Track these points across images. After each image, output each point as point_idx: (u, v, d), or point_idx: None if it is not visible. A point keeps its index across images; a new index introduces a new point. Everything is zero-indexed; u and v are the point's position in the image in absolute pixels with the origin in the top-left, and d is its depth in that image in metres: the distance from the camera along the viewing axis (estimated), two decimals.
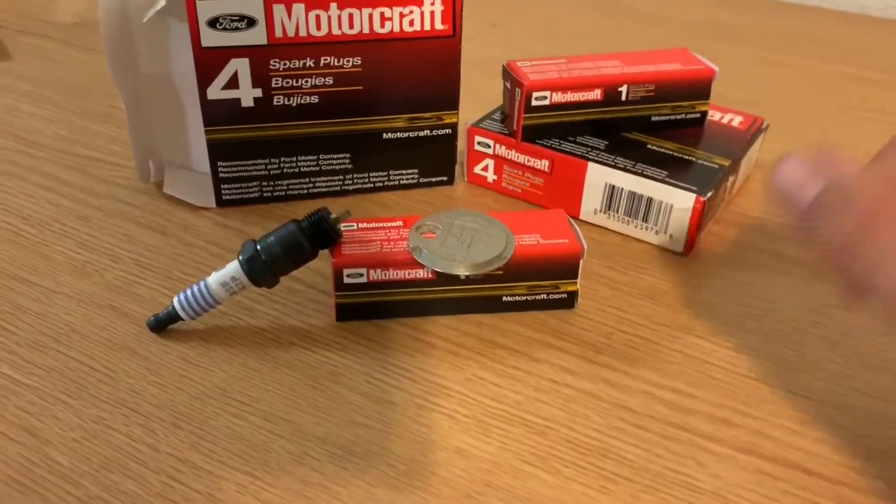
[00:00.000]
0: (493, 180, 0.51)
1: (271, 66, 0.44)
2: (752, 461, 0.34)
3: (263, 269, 0.37)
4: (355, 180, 0.49)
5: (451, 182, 0.51)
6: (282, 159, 0.47)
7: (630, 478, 0.33)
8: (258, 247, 0.38)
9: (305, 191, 0.49)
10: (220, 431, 0.34)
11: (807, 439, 0.35)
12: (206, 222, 0.47)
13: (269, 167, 0.48)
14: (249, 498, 0.31)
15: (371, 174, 0.49)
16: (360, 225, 0.40)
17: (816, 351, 0.39)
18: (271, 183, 0.48)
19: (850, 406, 0.36)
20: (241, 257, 0.38)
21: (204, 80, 0.44)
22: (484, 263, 0.38)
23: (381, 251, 0.39)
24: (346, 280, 0.39)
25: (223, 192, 0.48)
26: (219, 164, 0.47)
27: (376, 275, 0.39)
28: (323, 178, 0.49)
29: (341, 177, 0.49)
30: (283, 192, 0.49)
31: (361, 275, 0.39)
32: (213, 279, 0.38)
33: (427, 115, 0.48)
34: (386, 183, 0.50)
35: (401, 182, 0.50)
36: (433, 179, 0.51)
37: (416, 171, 0.50)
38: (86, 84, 0.64)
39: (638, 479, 0.33)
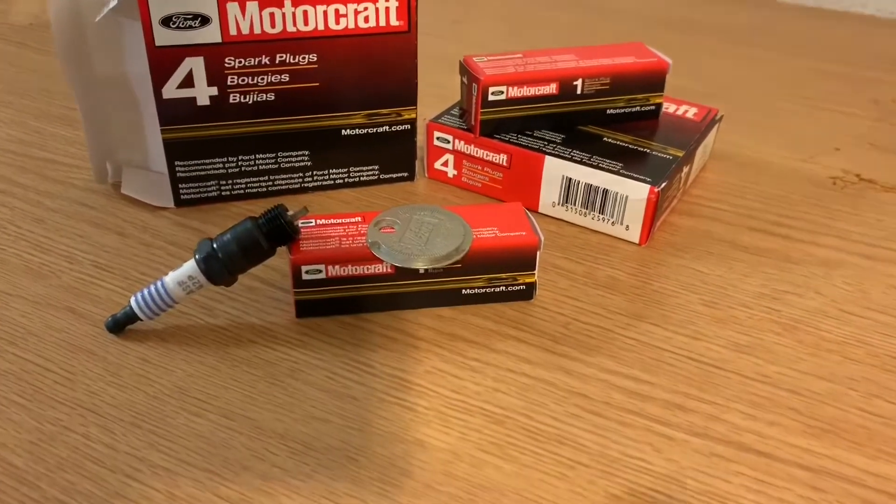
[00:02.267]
0: (454, 175, 0.51)
1: (226, 65, 0.44)
2: (707, 444, 0.34)
3: (220, 267, 0.37)
4: (315, 177, 0.49)
5: (411, 178, 0.52)
6: (240, 158, 0.47)
7: (587, 464, 0.33)
8: (214, 245, 0.38)
9: (265, 189, 0.49)
10: (179, 430, 0.34)
11: (760, 422, 0.36)
12: (165, 222, 0.47)
13: (227, 166, 0.47)
14: (209, 495, 0.31)
15: (331, 171, 0.49)
16: (318, 221, 0.41)
17: (769, 336, 0.40)
18: (230, 182, 0.48)
19: (802, 389, 0.37)
20: (197, 256, 0.38)
21: (159, 79, 0.44)
22: (442, 257, 0.39)
23: (340, 247, 0.39)
24: (305, 277, 0.39)
25: (181, 191, 0.48)
26: (176, 163, 0.47)
27: (335, 271, 0.39)
28: (282, 176, 0.49)
29: (301, 174, 0.49)
30: (242, 191, 0.49)
31: (320, 271, 0.39)
32: (170, 278, 0.38)
33: (385, 111, 0.48)
34: (346, 180, 0.50)
35: (361, 178, 0.50)
36: (394, 175, 0.51)
37: (376, 167, 0.50)
38: (42, 85, 0.64)
39: (594, 465, 0.33)
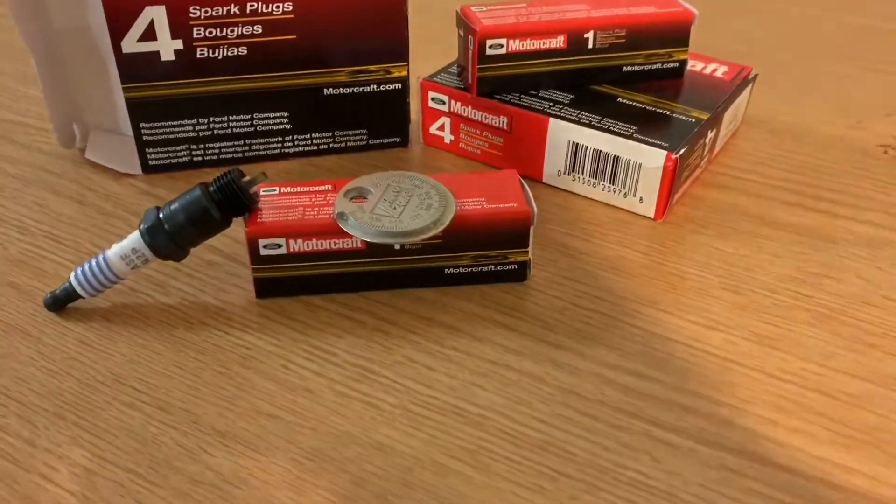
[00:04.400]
0: (451, 141, 0.46)
1: (191, 15, 0.40)
2: (717, 455, 0.29)
3: (166, 240, 0.33)
4: (296, 142, 0.45)
5: (404, 144, 0.47)
6: (211, 119, 0.43)
7: (570, 474, 0.28)
8: (161, 215, 0.33)
9: (241, 154, 0.45)
10: (108, 423, 0.30)
11: (782, 430, 0.30)
12: (130, 190, 0.43)
13: (197, 128, 0.43)
14: (129, 500, 0.27)
15: (313, 135, 0.45)
16: (282, 189, 0.36)
17: (799, 326, 0.35)
18: (201, 146, 0.44)
19: (835, 390, 0.32)
20: (142, 226, 0.33)
21: (116, 31, 0.40)
22: (417, 231, 0.34)
23: (303, 218, 0.34)
24: (263, 252, 0.34)
25: (148, 156, 0.44)
26: (141, 125, 0.43)
27: (297, 245, 0.34)
28: (259, 140, 0.44)
29: (280, 138, 0.44)
30: (216, 156, 0.44)
31: (280, 245, 0.34)
32: (113, 252, 0.34)
33: (372, 67, 0.43)
34: (331, 145, 0.45)
35: (348, 144, 0.46)
36: (384, 141, 0.46)
37: (363, 131, 0.45)
38: (21, 45, 0.60)
39: (580, 477, 0.28)
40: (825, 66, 0.57)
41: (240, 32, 0.41)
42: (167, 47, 0.40)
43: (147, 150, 0.43)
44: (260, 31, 0.41)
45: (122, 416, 0.30)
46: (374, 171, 0.45)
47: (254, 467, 0.29)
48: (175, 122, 0.43)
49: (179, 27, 0.40)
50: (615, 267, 0.38)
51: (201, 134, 0.43)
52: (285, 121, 0.44)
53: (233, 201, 0.33)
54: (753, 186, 0.44)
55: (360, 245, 0.35)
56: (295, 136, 0.45)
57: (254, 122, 0.44)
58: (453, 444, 0.29)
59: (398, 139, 0.46)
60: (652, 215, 0.41)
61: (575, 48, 0.43)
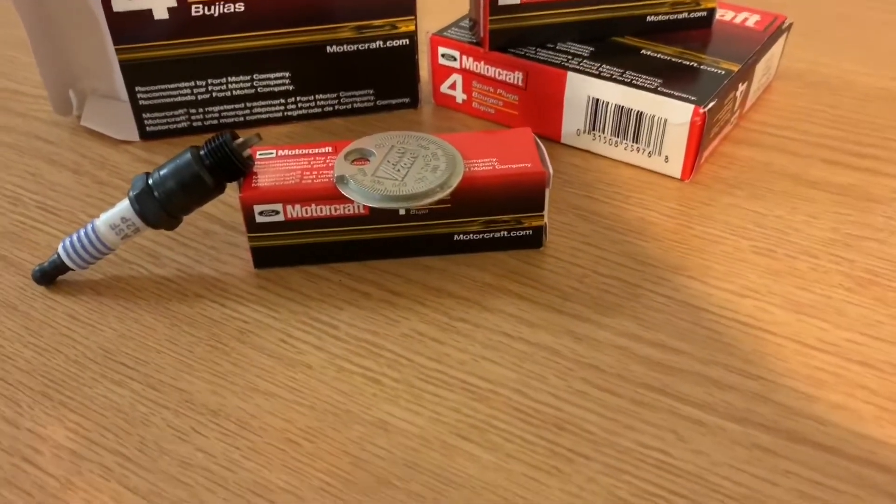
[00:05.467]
0: (463, 100, 0.43)
1: None
2: (748, 433, 0.27)
3: (156, 207, 0.31)
4: (299, 104, 0.42)
5: (414, 104, 0.44)
6: (209, 81, 0.41)
7: (588, 455, 0.26)
8: (150, 181, 0.31)
9: (242, 118, 0.42)
10: (95, 401, 0.28)
11: (821, 405, 0.28)
12: (126, 157, 0.41)
13: (195, 91, 0.41)
14: (113, 485, 0.26)
15: (317, 97, 0.42)
16: (279, 152, 0.34)
17: (838, 293, 0.32)
18: (200, 110, 0.42)
19: (879, 361, 0.29)
20: (130, 194, 0.32)
21: None
22: (421, 195, 0.31)
23: (301, 183, 0.32)
24: (259, 219, 0.32)
25: (146, 122, 0.42)
26: (137, 89, 0.40)
27: (295, 212, 0.32)
28: (261, 103, 0.42)
29: (282, 100, 0.42)
30: (216, 121, 0.42)
31: (277, 212, 0.32)
32: (102, 221, 0.32)
33: (378, 22, 0.41)
34: (336, 107, 0.43)
35: (354, 105, 0.43)
36: (393, 102, 0.44)
37: (370, 91, 0.43)
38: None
39: (598, 458, 0.26)
40: (865, 14, 0.53)
41: None
42: (160, 5, 0.38)
43: (144, 115, 0.41)
44: None
45: (111, 395, 0.29)
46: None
47: (247, 448, 0.27)
48: (172, 85, 0.41)
49: None
50: (638, 231, 0.35)
51: (200, 97, 0.41)
52: (287, 81, 0.42)
53: (225, 165, 0.31)
54: (788, 143, 0.40)
55: (362, 211, 0.32)
56: (298, 98, 0.42)
57: (254, 84, 0.41)
58: (462, 423, 0.27)
59: (407, 99, 0.44)
60: (678, 175, 0.38)
61: None
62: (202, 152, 0.31)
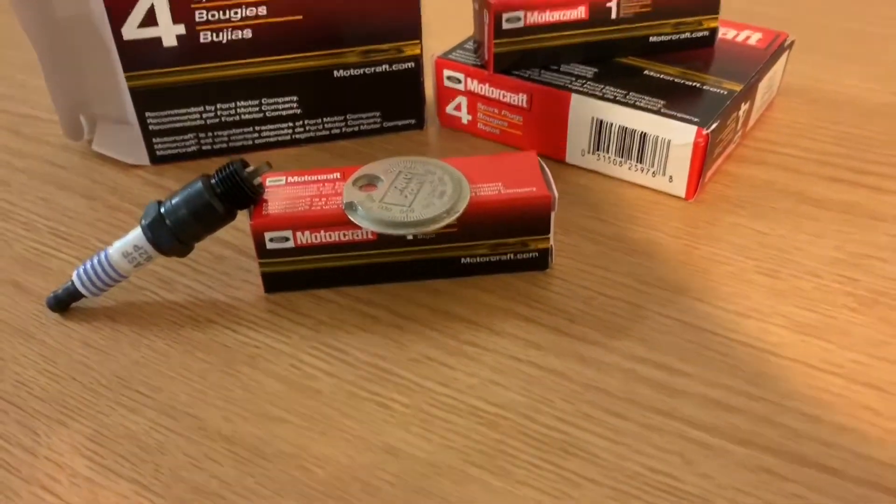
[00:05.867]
0: (468, 121, 0.44)
1: None
2: (754, 456, 0.27)
3: (168, 235, 0.32)
4: (307, 127, 0.43)
5: (420, 126, 0.45)
6: (218, 106, 0.41)
7: (597, 479, 0.27)
8: (162, 210, 0.32)
9: (251, 142, 0.43)
10: (111, 429, 0.29)
11: (826, 427, 0.28)
12: (137, 182, 0.42)
13: (205, 116, 0.41)
14: None
15: (325, 119, 0.43)
16: (288, 179, 0.34)
17: (843, 313, 0.32)
18: (210, 134, 0.42)
19: (884, 383, 0.29)
20: (143, 222, 0.32)
21: (117, 17, 0.38)
22: (429, 220, 0.32)
23: (310, 209, 0.33)
24: (270, 245, 0.33)
25: (156, 146, 0.42)
26: (147, 114, 0.41)
27: (305, 238, 0.33)
28: (269, 127, 0.43)
29: (290, 124, 0.43)
30: (225, 144, 0.43)
31: (287, 238, 0.33)
32: (115, 249, 0.33)
33: (384, 46, 0.41)
34: (344, 129, 0.44)
35: (361, 128, 0.44)
36: (399, 123, 0.44)
37: (377, 114, 0.43)
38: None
39: (606, 482, 0.26)
40: (866, 29, 0.54)
41: (244, 14, 0.39)
42: (169, 32, 0.39)
43: (154, 139, 0.42)
44: (265, 12, 0.39)
45: (126, 423, 0.29)
46: (390, 155, 0.43)
47: (261, 475, 0.27)
48: (181, 111, 0.41)
49: (181, 11, 0.38)
50: (644, 252, 0.36)
51: (209, 122, 0.42)
52: (295, 105, 0.42)
53: (236, 193, 0.32)
54: (792, 161, 0.41)
55: (370, 236, 0.33)
56: (306, 121, 0.43)
57: (262, 108, 0.42)
58: (471, 448, 0.28)
59: (413, 121, 0.44)
60: (683, 195, 0.38)
61: (597, 18, 0.40)
62: (213, 181, 0.32)
